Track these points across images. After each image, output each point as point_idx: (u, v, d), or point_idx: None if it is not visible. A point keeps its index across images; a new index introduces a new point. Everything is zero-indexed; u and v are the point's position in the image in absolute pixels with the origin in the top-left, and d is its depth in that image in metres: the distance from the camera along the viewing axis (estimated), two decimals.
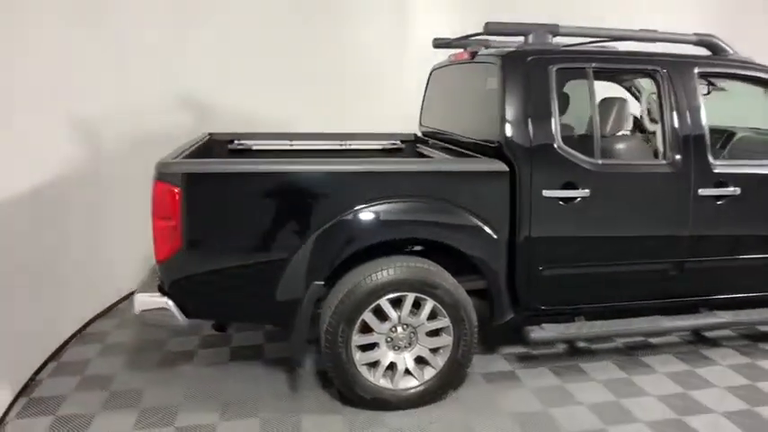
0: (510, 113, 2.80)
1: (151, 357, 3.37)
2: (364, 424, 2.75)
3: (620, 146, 3.14)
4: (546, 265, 2.91)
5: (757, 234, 3.16)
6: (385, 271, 2.68)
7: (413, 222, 2.70)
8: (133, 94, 4.03)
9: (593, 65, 2.94)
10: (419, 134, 4.20)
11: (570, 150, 2.84)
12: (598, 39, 3.18)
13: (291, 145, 4.05)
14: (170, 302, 2.59)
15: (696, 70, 3.04)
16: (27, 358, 3.09)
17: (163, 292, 2.61)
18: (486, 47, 3.42)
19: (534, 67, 2.84)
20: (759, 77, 3.21)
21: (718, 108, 4.14)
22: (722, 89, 3.76)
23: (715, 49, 3.25)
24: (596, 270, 2.99)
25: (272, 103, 4.61)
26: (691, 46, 3.22)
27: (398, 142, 4.22)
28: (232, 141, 4.00)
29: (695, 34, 3.22)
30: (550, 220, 2.85)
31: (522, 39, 3.01)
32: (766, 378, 3.20)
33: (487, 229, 2.79)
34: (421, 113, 4.15)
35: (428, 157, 3.67)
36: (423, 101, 4.13)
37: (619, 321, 3.12)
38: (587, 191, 2.84)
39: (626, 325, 3.10)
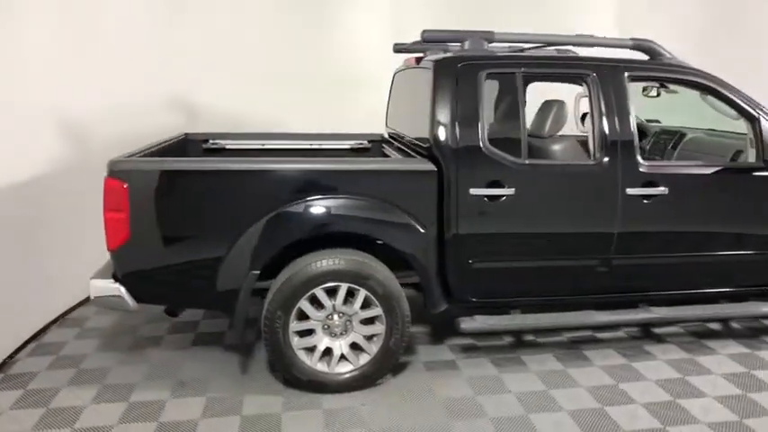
0: (439, 116, 2.98)
1: (123, 341, 3.65)
2: (301, 404, 2.97)
3: (557, 147, 3.28)
4: (475, 259, 3.08)
5: (687, 232, 3.26)
6: (319, 262, 2.90)
7: (342, 217, 2.90)
8: (120, 95, 4.31)
9: (522, 70, 3.10)
10: (386, 135, 4.40)
11: (496, 150, 3.00)
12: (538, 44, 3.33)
13: (263, 145, 4.29)
14: (122, 289, 2.86)
15: (626, 74, 3.16)
16: (5, 340, 3.40)
17: (116, 279, 2.88)
18: (445, 51, 3.58)
19: (464, 72, 3.02)
20: (689, 80, 3.31)
21: (678, 109, 4.25)
22: (674, 92, 3.86)
23: (652, 53, 3.36)
24: (525, 265, 3.14)
25: (263, 103, 4.88)
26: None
27: (365, 142, 4.42)
28: (207, 141, 4.26)
29: (632, 39, 3.33)
30: (477, 217, 3.01)
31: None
32: (700, 373, 3.30)
33: (416, 225, 2.97)
34: (386, 115, 4.35)
35: (387, 156, 3.87)
36: (387, 103, 4.33)
37: (550, 315, 3.27)
38: (513, 189, 3.00)
39: (555, 318, 3.24)
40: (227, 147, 4.29)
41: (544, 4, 5.13)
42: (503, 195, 3.01)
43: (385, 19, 5.12)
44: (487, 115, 3.11)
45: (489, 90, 3.14)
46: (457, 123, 2.97)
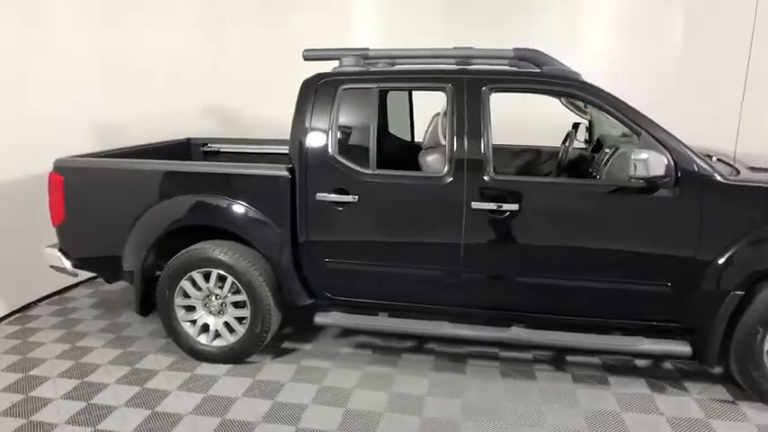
0: (296, 126, 3.31)
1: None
2: (183, 366, 3.54)
3: (430, 158, 3.34)
4: (328, 259, 3.33)
5: (544, 253, 3.07)
6: (197, 250, 3.43)
7: (206, 214, 3.39)
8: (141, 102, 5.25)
9: (380, 84, 3.25)
10: None
11: (343, 160, 3.22)
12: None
13: (262, 149, 4.83)
14: (62, 258, 3.72)
15: (486, 86, 3.11)
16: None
17: (60, 249, 3.76)
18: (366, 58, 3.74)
19: (323, 87, 3.29)
20: (564, 92, 3.12)
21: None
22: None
23: (537, 62, 3.22)
24: (371, 269, 3.29)
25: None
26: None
27: None
28: (206, 144, 5.04)
29: (515, 49, 3.24)
30: (325, 220, 3.27)
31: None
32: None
33: (274, 225, 3.33)
34: None
35: None
36: None
37: (406, 321, 3.36)
38: (356, 197, 3.19)
39: (404, 325, 3.33)
40: (222, 150, 5.01)
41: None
42: (347, 202, 3.21)
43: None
44: (351, 127, 3.31)
45: (363, 103, 3.31)
46: (310, 134, 3.26)
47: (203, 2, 5.57)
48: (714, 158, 3.34)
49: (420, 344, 3.78)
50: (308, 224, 3.30)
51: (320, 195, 3.24)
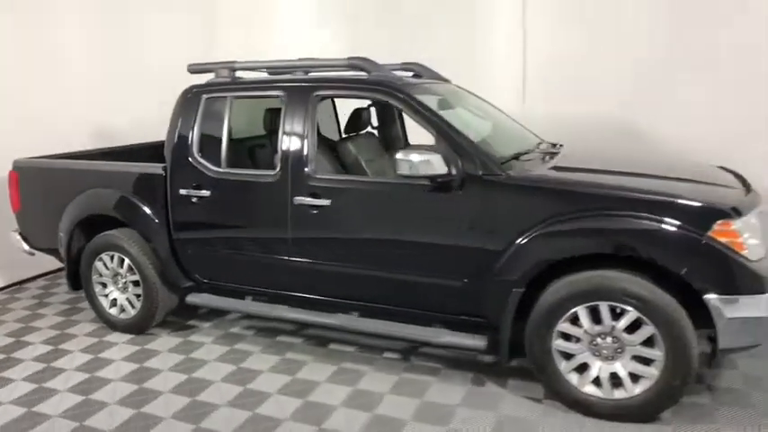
0: (169, 130, 3.84)
1: None
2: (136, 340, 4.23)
3: (322, 157, 3.66)
4: (191, 246, 3.83)
5: (353, 245, 3.32)
6: (104, 236, 4.09)
7: (102, 206, 4.04)
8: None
9: (235, 94, 3.69)
10: None
11: (201, 160, 3.70)
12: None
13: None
14: (21, 240, 4.58)
15: (314, 93, 3.42)
16: None
17: (20, 233, 4.62)
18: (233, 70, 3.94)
19: (191, 97, 3.80)
20: (374, 97, 3.39)
21: None
22: None
23: (366, 70, 3.47)
24: (225, 256, 3.74)
25: None
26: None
27: None
28: None
29: (348, 58, 3.51)
30: (187, 212, 3.77)
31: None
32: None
33: (152, 215, 3.89)
34: None
35: None
36: None
37: (258, 304, 3.76)
38: (208, 192, 3.66)
39: (254, 307, 3.74)
40: None
41: None
42: (202, 196, 3.69)
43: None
44: (211, 130, 3.75)
45: (221, 110, 3.77)
46: (178, 137, 3.78)
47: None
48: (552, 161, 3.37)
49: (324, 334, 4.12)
50: (174, 215, 3.82)
51: (183, 191, 3.75)
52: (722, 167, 3.55)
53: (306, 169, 3.39)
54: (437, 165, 2.95)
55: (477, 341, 3.13)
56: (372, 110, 4.33)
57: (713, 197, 2.79)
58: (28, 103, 5.23)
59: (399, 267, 3.24)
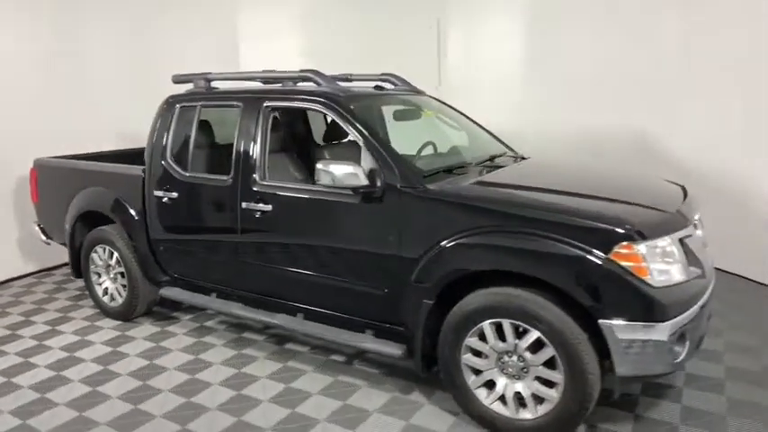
0: (150, 136, 4.17)
1: None
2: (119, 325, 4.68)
3: (279, 163, 3.90)
4: (162, 243, 4.14)
5: (290, 249, 3.49)
6: (97, 230, 4.52)
7: (93, 203, 4.44)
8: None
9: (201, 103, 3.96)
10: None
11: (171, 164, 4.00)
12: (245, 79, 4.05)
13: None
14: (39, 231, 5.12)
15: (265, 104, 3.62)
16: None
17: (38, 224, 5.16)
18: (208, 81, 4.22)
19: (168, 106, 4.11)
20: (312, 108, 3.53)
21: None
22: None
23: (315, 81, 3.62)
24: (190, 254, 4.02)
25: None
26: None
27: None
28: None
29: (300, 70, 3.69)
30: (159, 212, 4.08)
31: None
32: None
33: (133, 213, 4.25)
34: None
35: None
36: None
37: (216, 300, 4.00)
38: (176, 194, 3.95)
39: (213, 304, 3.97)
40: None
41: None
42: (171, 198, 3.99)
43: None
44: (183, 137, 4.03)
45: (191, 118, 4.03)
46: (155, 142, 4.11)
47: None
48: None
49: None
50: (150, 214, 4.15)
51: (156, 192, 4.07)
52: (671, 181, 3.39)
53: (254, 175, 3.59)
54: (358, 176, 3.05)
55: (394, 349, 3.19)
56: None
57: (621, 219, 2.69)
58: (56, 108, 5.83)
59: (331, 273, 3.36)
